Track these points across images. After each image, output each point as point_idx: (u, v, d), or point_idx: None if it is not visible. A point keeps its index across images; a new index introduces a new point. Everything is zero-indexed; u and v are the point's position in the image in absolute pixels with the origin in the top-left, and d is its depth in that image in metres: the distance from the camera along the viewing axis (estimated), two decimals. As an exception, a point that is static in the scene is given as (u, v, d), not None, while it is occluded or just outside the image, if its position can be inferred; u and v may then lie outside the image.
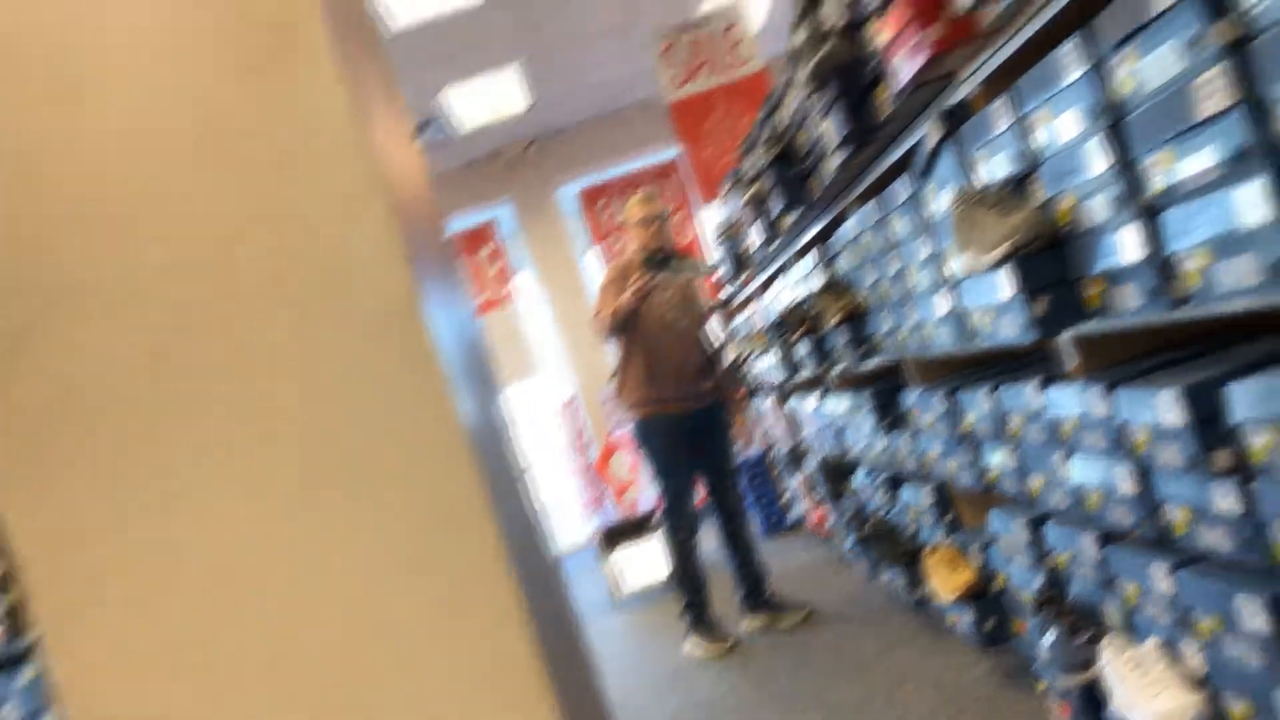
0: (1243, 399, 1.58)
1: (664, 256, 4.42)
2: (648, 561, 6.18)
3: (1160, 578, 1.98)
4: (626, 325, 4.36)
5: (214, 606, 0.95)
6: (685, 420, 4.44)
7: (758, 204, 4.51)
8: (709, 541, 4.81)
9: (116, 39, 0.97)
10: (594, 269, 9.52)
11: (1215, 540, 1.76)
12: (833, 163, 3.17)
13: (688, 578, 4.53)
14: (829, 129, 3.01)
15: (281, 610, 0.96)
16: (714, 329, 4.79)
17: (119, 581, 0.90)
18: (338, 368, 0.93)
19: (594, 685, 1.41)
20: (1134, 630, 2.18)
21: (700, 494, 4.66)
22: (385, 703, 0.96)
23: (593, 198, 9.25)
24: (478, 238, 9.35)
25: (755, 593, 4.62)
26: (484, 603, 0.99)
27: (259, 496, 0.96)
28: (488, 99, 7.71)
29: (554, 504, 9.06)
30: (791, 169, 3.79)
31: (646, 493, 7.38)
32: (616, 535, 6.22)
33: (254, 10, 0.97)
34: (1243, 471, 1.64)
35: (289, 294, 0.93)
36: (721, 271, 6.52)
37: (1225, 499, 1.69)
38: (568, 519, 9.03)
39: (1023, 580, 2.73)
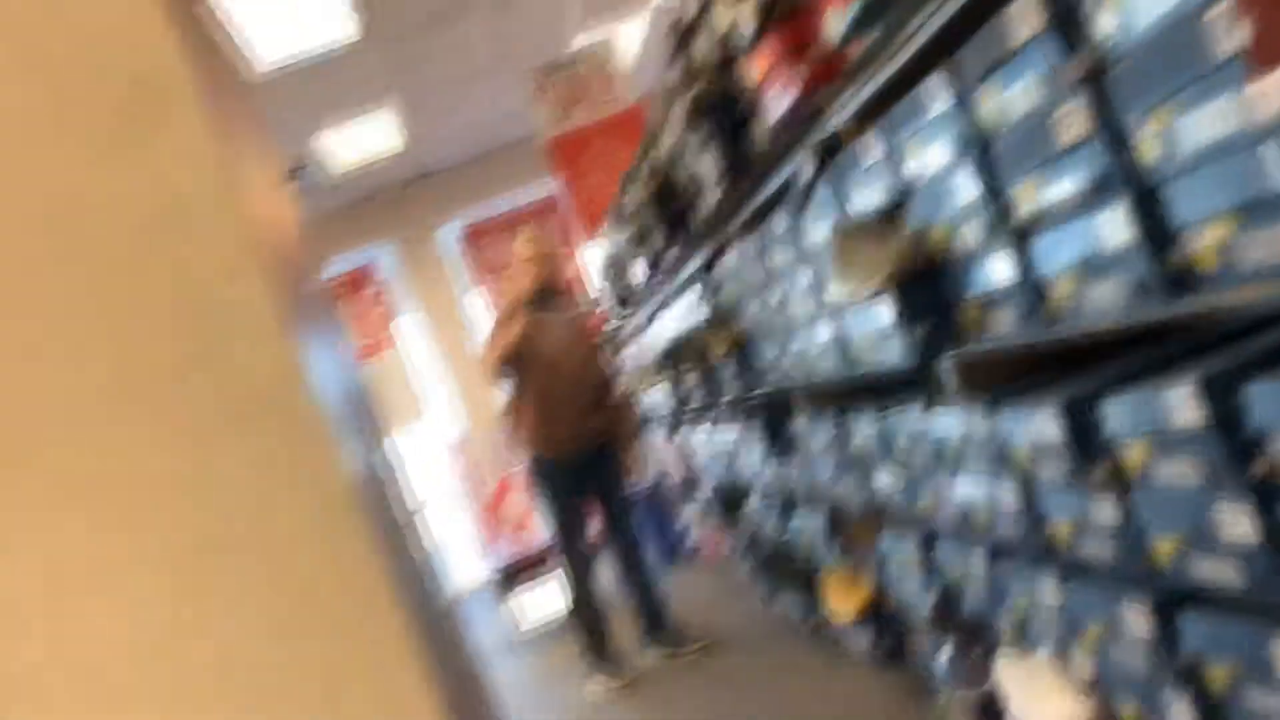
0: (1116, 413, 1.63)
1: (546, 295, 4.39)
2: (547, 600, 6.12)
3: (1048, 590, 2.03)
4: (515, 366, 4.32)
5: (103, 684, 0.89)
6: (578, 458, 4.42)
7: (640, 239, 4.53)
8: (607, 575, 4.79)
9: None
10: (478, 308, 9.45)
11: (1097, 551, 1.81)
12: (711, 197, 3.20)
13: (586, 616, 4.50)
14: (706, 165, 3.05)
15: (176, 675, 0.91)
16: (606, 362, 4.78)
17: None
18: (220, 439, 0.88)
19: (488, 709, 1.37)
20: (1026, 641, 2.23)
21: (597, 529, 4.64)
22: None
23: (475, 236, 9.19)
24: (359, 281, 9.19)
25: (655, 625, 4.60)
26: (379, 653, 0.96)
27: (146, 576, 0.91)
28: (363, 140, 7.61)
29: (449, 546, 8.91)
30: (672, 204, 3.82)
31: (542, 531, 7.31)
32: (514, 575, 6.14)
33: (116, 74, 0.92)
34: (1120, 483, 1.70)
35: (165, 370, 0.88)
36: (604, 306, 6.54)
37: (1104, 511, 1.74)
38: (464, 560, 8.89)
39: (916, 598, 2.77)
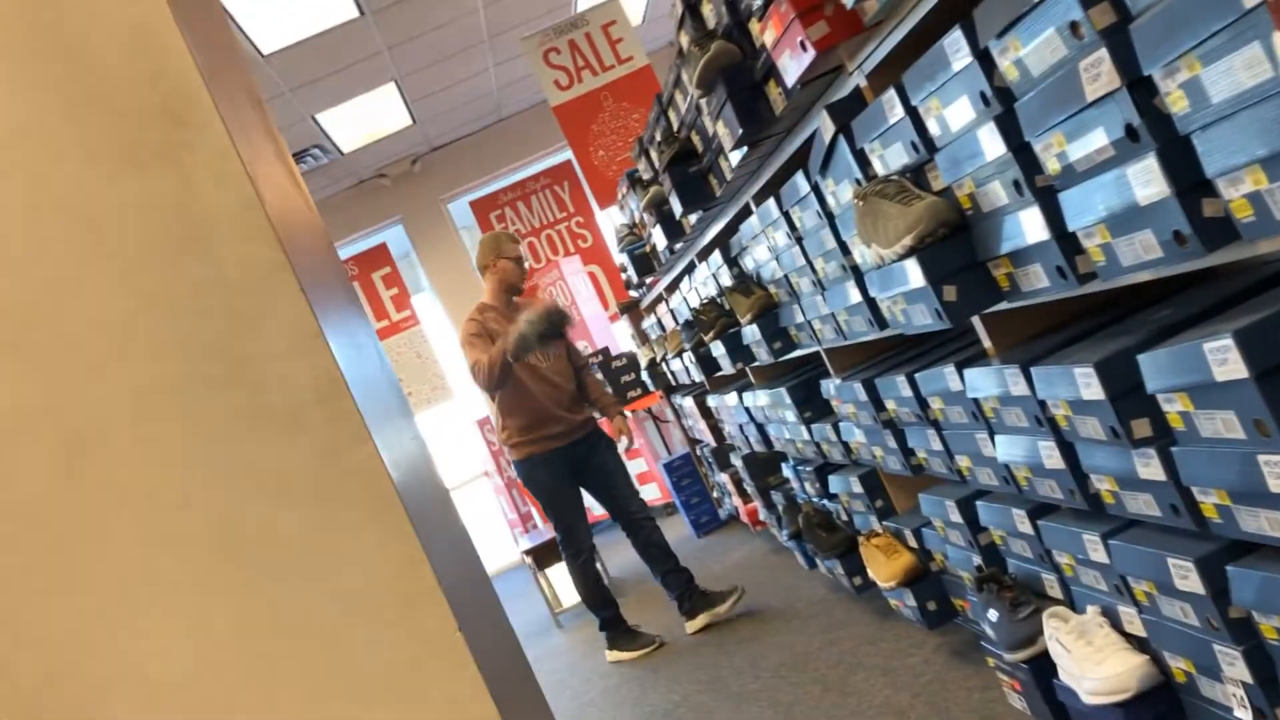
0: (1153, 368, 1.65)
1: (515, 294, 4.61)
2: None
3: (1094, 548, 2.05)
4: (505, 377, 4.46)
5: (154, 713, 0.93)
6: (566, 450, 4.64)
7: (658, 205, 4.54)
8: (628, 554, 4.90)
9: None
10: (495, 282, 9.47)
11: (1143, 506, 1.83)
12: (730, 161, 3.21)
13: (594, 597, 4.76)
14: (722, 129, 3.05)
15: (233, 678, 0.95)
16: (579, 354, 4.92)
17: (55, 690, 0.88)
18: (266, 442, 0.92)
19: (542, 706, 1.42)
20: (1073, 600, 2.26)
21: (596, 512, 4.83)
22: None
23: (486, 208, 9.21)
24: (371, 261, 9.24)
25: (686, 594, 4.69)
26: (429, 645, 0.99)
27: (199, 581, 0.94)
28: (369, 117, 7.63)
29: (479, 526, 9.00)
30: (689, 168, 3.82)
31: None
32: (548, 553, 6.22)
33: (141, 88, 0.95)
34: (1162, 438, 1.71)
35: (209, 376, 0.91)
36: (624, 274, 6.57)
37: (1148, 466, 1.76)
38: (494, 540, 8.99)
39: (960, 559, 2.80)
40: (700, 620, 4.64)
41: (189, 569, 0.95)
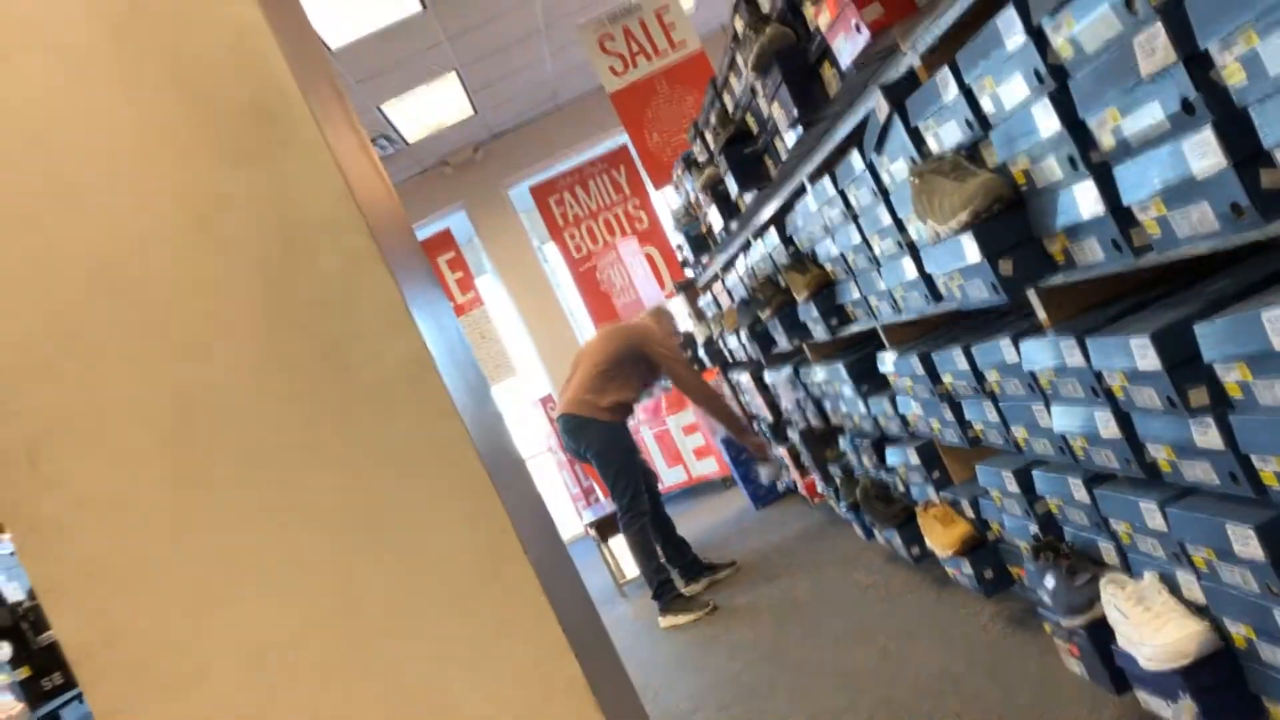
0: (1211, 338, 1.61)
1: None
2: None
3: (1151, 515, 2.02)
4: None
5: (261, 671, 0.96)
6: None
7: (713, 186, 4.52)
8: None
9: (103, 140, 0.96)
10: (555, 263, 9.53)
11: (1200, 474, 1.80)
12: (785, 142, 3.18)
13: (650, 565, 5.09)
14: (778, 111, 3.03)
15: (330, 645, 0.97)
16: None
17: (164, 671, 0.91)
18: (362, 418, 0.93)
19: (618, 666, 1.44)
20: (1130, 567, 2.23)
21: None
22: (427, 697, 0.97)
23: (545, 193, 9.23)
24: (437, 245, 9.30)
25: (690, 564, 5.34)
26: (519, 610, 1.01)
27: (303, 550, 0.96)
28: (430, 108, 7.68)
29: (546, 498, 9.05)
30: (744, 149, 3.80)
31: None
32: (610, 526, 6.25)
33: (242, 96, 0.97)
34: (1220, 407, 1.68)
35: (311, 358, 0.93)
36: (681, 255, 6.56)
37: (1205, 435, 1.72)
38: (558, 513, 9.05)
39: (1017, 528, 2.77)
40: (701, 585, 5.25)
41: (294, 539, 0.97)
